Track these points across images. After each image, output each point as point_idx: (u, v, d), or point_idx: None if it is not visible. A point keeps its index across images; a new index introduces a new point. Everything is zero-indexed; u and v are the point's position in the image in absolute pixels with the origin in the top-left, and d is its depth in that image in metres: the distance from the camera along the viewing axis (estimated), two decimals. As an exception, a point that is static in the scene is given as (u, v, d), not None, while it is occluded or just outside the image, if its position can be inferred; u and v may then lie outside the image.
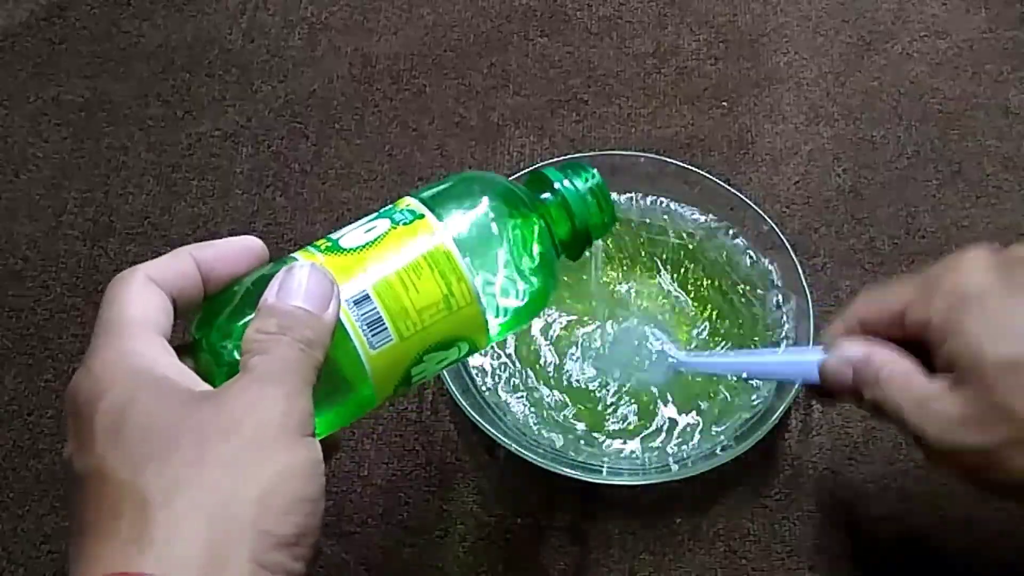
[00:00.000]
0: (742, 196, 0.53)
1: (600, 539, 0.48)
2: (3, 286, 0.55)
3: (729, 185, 0.53)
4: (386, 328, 0.33)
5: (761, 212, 0.52)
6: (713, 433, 0.49)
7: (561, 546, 0.48)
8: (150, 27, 0.65)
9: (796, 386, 0.47)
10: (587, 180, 0.38)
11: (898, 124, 0.60)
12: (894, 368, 0.37)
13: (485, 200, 0.36)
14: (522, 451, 0.46)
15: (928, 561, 0.47)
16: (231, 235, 0.34)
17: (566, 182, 0.37)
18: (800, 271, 0.50)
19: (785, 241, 0.51)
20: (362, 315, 0.32)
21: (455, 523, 0.48)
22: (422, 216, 0.35)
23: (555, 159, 0.54)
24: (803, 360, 0.42)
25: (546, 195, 0.38)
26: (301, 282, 0.31)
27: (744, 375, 0.49)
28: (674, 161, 0.54)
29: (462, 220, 0.35)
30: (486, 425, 0.46)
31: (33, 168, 0.59)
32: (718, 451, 0.47)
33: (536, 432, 0.49)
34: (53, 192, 0.58)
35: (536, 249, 0.36)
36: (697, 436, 0.49)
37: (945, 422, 0.35)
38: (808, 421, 0.51)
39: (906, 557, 0.47)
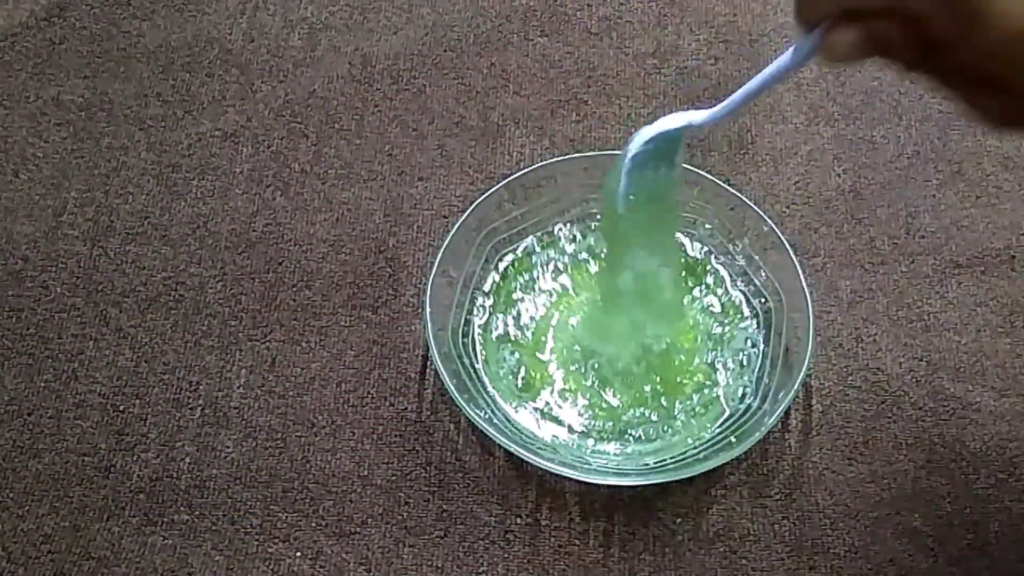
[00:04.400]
0: (742, 196, 0.53)
1: (600, 539, 0.48)
2: (3, 286, 0.55)
3: (729, 185, 0.53)
4: None
5: (761, 212, 0.52)
6: (713, 432, 0.49)
7: (561, 546, 0.48)
8: (150, 27, 0.65)
9: (795, 385, 0.47)
10: None
11: (898, 124, 0.60)
12: None
13: None
14: (522, 451, 0.46)
15: (928, 561, 0.47)
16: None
17: None
18: (800, 271, 0.50)
19: (785, 241, 0.51)
20: None
21: (455, 523, 0.48)
22: None
23: (555, 159, 0.54)
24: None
25: None
26: None
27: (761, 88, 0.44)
28: (674, 161, 0.54)
29: None
30: (486, 425, 0.46)
31: (33, 168, 0.59)
32: (718, 451, 0.47)
33: (536, 432, 0.49)
34: (53, 192, 0.58)
35: None
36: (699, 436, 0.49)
37: None
38: (808, 421, 0.51)
39: (906, 557, 0.47)
